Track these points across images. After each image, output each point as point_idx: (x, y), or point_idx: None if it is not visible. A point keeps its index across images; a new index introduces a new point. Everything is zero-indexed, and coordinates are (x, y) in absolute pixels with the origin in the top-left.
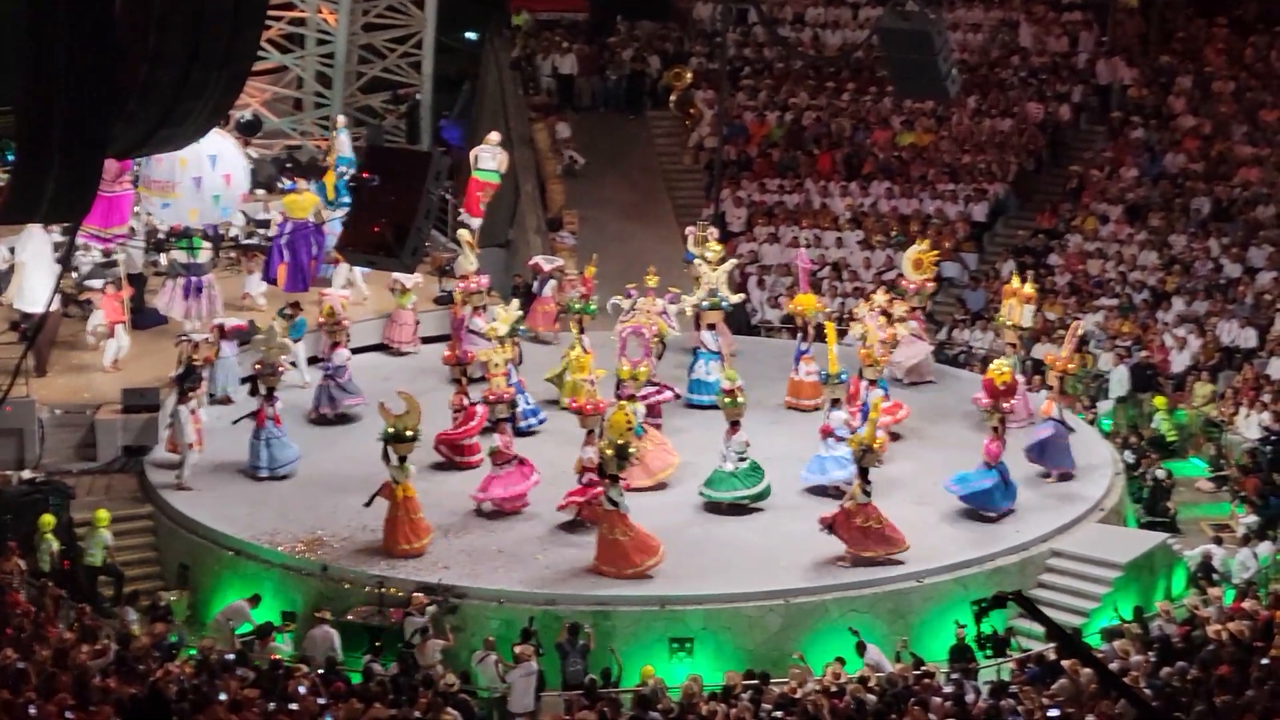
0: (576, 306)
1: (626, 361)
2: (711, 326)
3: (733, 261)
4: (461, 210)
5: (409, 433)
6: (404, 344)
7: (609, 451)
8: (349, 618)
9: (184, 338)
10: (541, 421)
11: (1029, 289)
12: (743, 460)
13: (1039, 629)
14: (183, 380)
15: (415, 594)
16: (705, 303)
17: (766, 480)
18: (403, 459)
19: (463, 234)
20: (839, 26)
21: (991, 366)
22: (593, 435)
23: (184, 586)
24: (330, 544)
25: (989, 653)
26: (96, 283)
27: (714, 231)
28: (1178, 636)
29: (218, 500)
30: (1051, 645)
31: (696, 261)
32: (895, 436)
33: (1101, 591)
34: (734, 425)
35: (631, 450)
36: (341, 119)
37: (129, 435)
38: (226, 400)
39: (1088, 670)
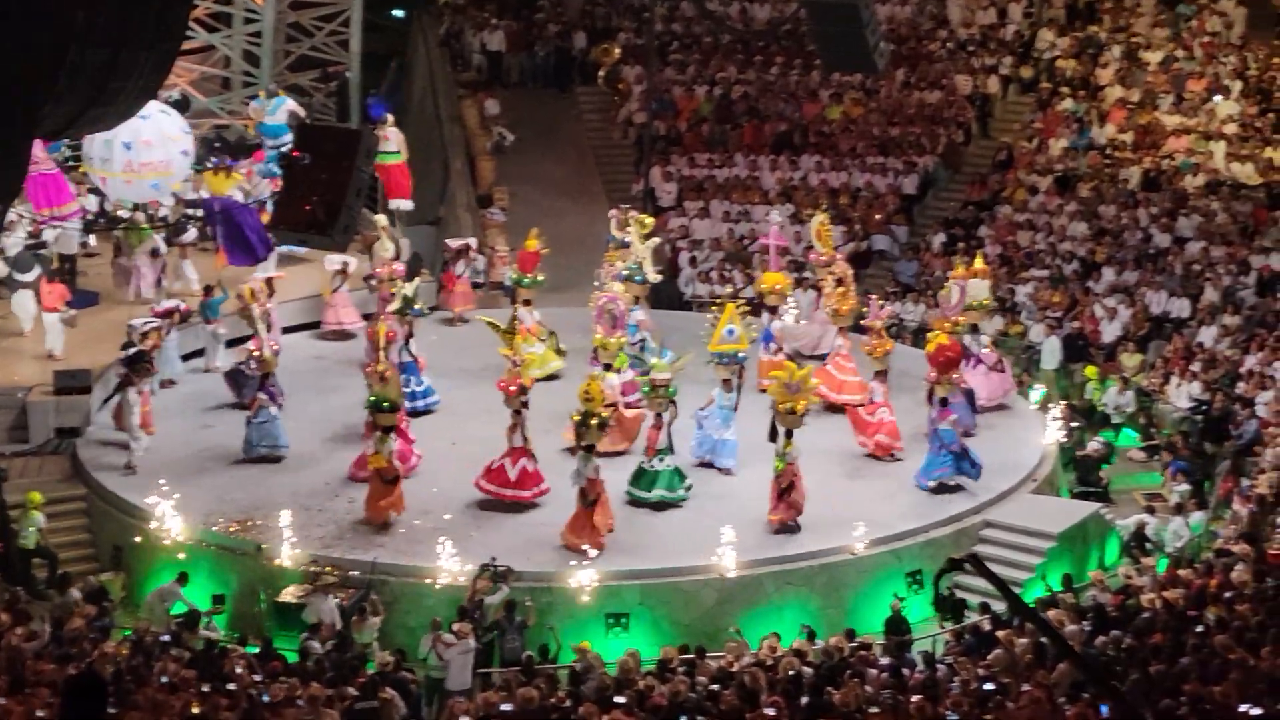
0: (526, 281)
1: (601, 330)
2: (637, 300)
3: (656, 240)
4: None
5: (387, 404)
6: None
7: (590, 423)
8: (284, 598)
9: (131, 324)
10: (436, 401)
11: (979, 263)
12: (663, 461)
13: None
14: (132, 363)
15: (478, 580)
16: (625, 273)
17: (689, 483)
18: (386, 430)
19: (380, 219)
20: (766, 0)
21: (929, 339)
22: (519, 416)
23: (118, 568)
24: (264, 524)
25: (947, 615)
26: (28, 276)
27: (634, 214)
28: (1112, 606)
29: (152, 482)
30: (986, 617)
31: (627, 234)
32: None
33: (1035, 561)
34: (657, 418)
35: (606, 419)
36: (272, 86)
37: (61, 417)
38: (170, 383)
39: (1023, 641)
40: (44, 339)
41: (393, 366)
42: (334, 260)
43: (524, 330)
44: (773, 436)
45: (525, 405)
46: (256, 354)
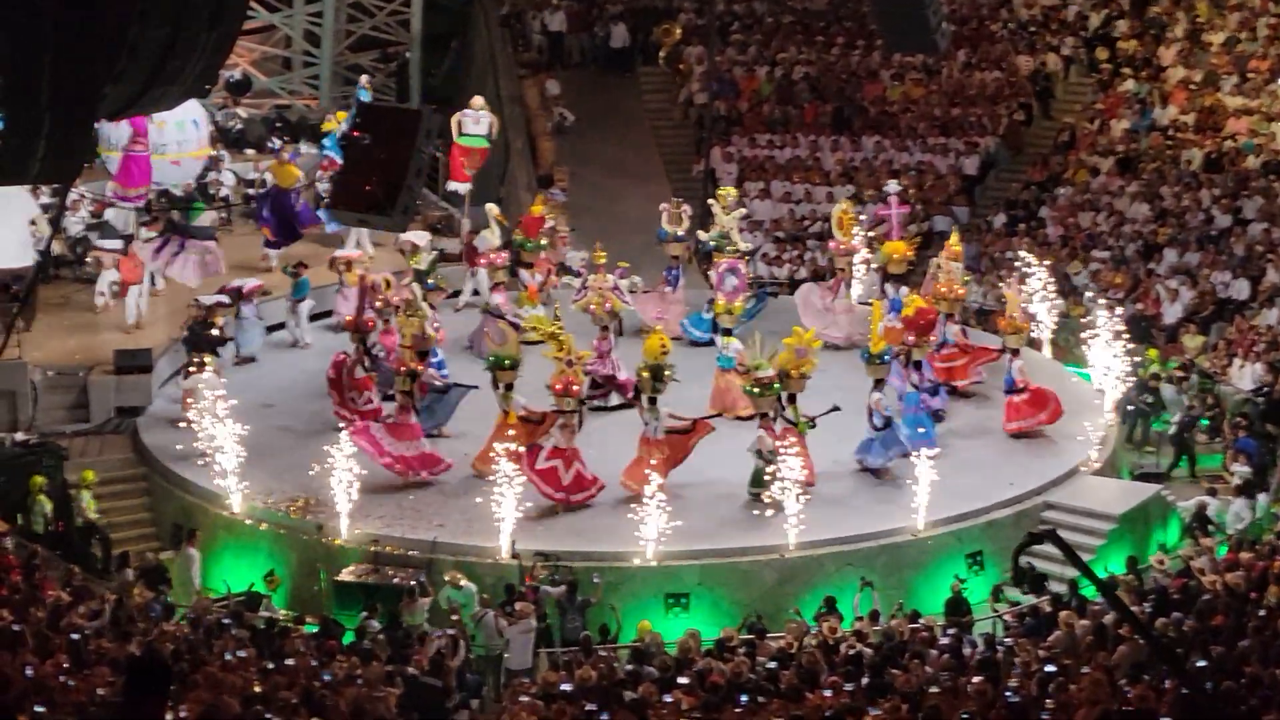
0: (529, 245)
1: (722, 296)
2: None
3: (741, 210)
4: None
5: (508, 361)
6: None
7: (644, 374)
8: (344, 577)
9: (194, 302)
10: (445, 375)
11: (956, 245)
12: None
13: (1021, 595)
14: (201, 348)
15: (538, 565)
16: (713, 244)
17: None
18: (508, 386)
19: (491, 208)
20: None
21: (905, 299)
22: (569, 418)
23: (178, 547)
24: (325, 503)
25: (1027, 589)
26: (113, 244)
27: (687, 209)
28: (1174, 588)
29: (213, 461)
30: (1046, 598)
31: (678, 228)
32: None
33: (1096, 544)
34: (764, 418)
35: (667, 373)
36: (365, 78)
37: (122, 396)
38: (250, 360)
39: (1083, 622)
40: (124, 312)
41: (510, 326)
42: (403, 238)
43: (531, 291)
44: (780, 404)
45: (582, 405)
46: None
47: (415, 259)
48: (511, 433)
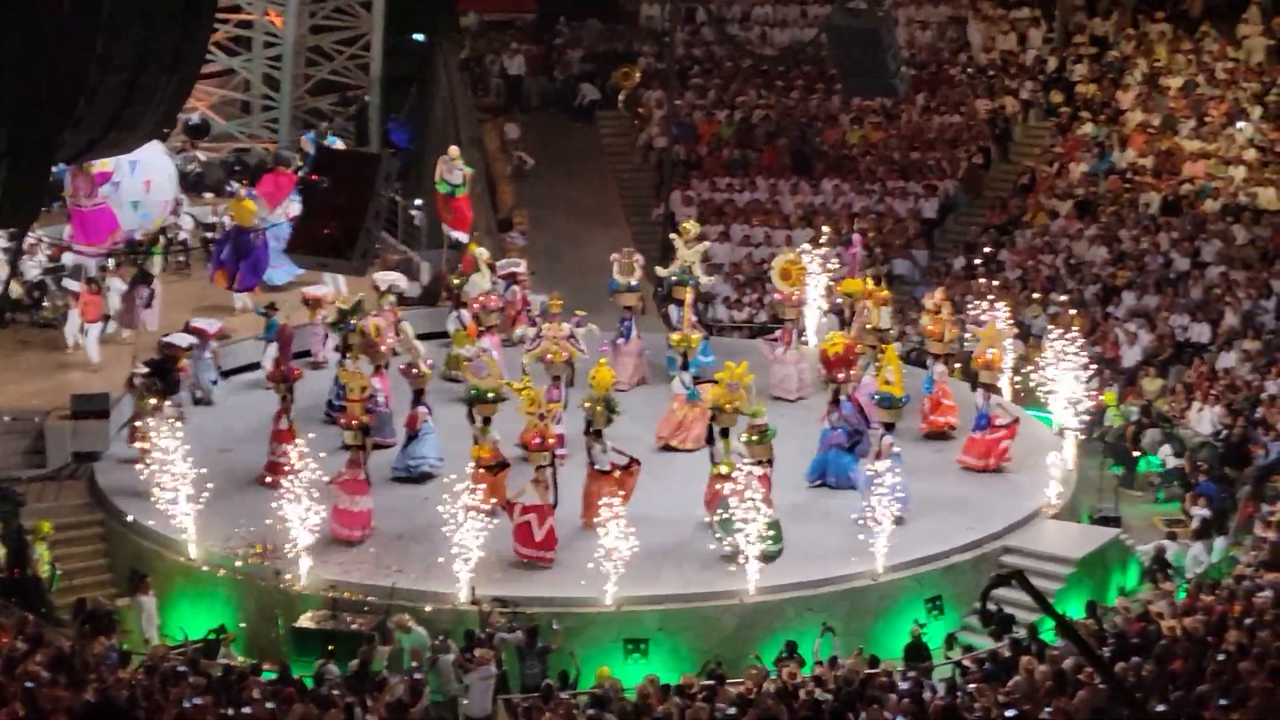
0: (456, 281)
1: (681, 330)
2: (679, 302)
3: (706, 243)
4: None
5: (490, 395)
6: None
7: (598, 408)
8: (302, 623)
9: (168, 342)
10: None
11: (883, 291)
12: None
13: (981, 641)
14: (155, 387)
15: (495, 611)
16: (675, 278)
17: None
18: (486, 420)
19: (480, 253)
20: (787, 25)
21: (825, 337)
22: (541, 472)
23: (134, 594)
24: (283, 549)
25: (994, 630)
26: (74, 285)
27: (639, 259)
28: (1133, 632)
29: (169, 505)
30: (1005, 644)
31: (629, 279)
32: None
33: (1055, 588)
34: (759, 464)
35: (616, 407)
36: (325, 126)
37: (79, 441)
38: (207, 401)
39: (1042, 668)
40: (87, 351)
41: (490, 355)
42: (383, 279)
43: (471, 330)
44: (710, 439)
45: (554, 461)
46: (415, 371)
47: (384, 299)
48: (484, 470)
